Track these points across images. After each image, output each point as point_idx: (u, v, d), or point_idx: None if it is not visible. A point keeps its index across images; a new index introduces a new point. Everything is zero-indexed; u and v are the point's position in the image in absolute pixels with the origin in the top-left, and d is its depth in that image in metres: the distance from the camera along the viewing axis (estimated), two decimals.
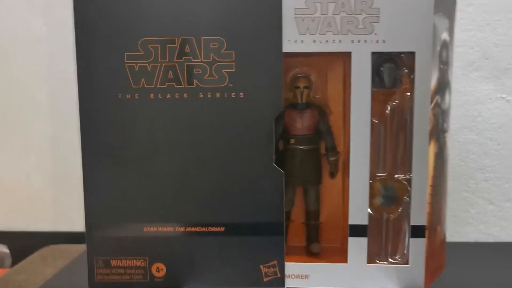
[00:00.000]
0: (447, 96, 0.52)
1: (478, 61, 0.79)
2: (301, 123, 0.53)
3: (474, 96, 0.80)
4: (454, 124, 0.80)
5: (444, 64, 0.50)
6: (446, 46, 0.50)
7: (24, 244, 0.87)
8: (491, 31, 0.79)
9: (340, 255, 0.53)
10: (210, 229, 0.51)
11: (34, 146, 0.89)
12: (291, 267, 0.52)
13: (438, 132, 0.50)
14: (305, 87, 0.53)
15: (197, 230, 0.51)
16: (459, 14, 0.76)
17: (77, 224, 0.88)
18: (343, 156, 0.55)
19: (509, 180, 0.81)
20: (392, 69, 0.50)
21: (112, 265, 0.52)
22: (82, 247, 0.75)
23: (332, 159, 0.55)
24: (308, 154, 0.54)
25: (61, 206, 0.90)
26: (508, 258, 0.68)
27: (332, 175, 0.55)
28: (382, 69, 0.50)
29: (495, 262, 0.66)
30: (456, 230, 0.82)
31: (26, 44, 0.85)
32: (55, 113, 0.87)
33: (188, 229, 0.51)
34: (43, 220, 0.91)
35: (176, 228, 0.51)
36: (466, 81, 0.80)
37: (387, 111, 0.51)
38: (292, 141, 0.54)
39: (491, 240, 0.82)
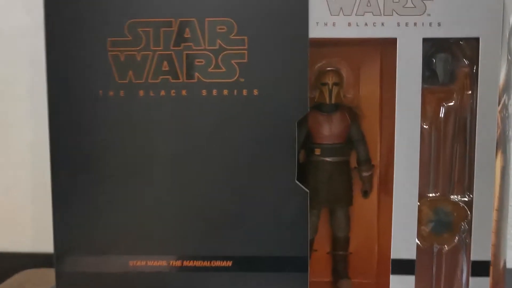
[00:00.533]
0: None
1: None
2: (329, 129, 0.43)
3: None
4: None
5: None
6: None
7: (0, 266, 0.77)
8: None
9: None
10: (213, 263, 0.40)
11: (12, 155, 0.78)
12: None
13: (505, 141, 0.40)
14: (334, 84, 0.42)
15: (197, 264, 0.40)
16: None
17: None
18: (378, 170, 0.44)
19: None
20: (449, 61, 0.39)
21: None
22: None
23: (365, 174, 0.44)
24: (337, 167, 0.43)
25: (42, 223, 0.80)
26: None
27: (366, 194, 0.45)
28: (435, 60, 0.39)
29: None
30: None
31: (6, 38, 0.75)
32: (36, 117, 0.77)
33: (186, 263, 0.40)
34: (21, 240, 0.80)
35: (171, 262, 0.40)
36: None
37: (441, 114, 0.40)
38: (318, 151, 0.43)
39: None
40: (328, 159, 0.43)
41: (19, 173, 0.79)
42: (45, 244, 0.79)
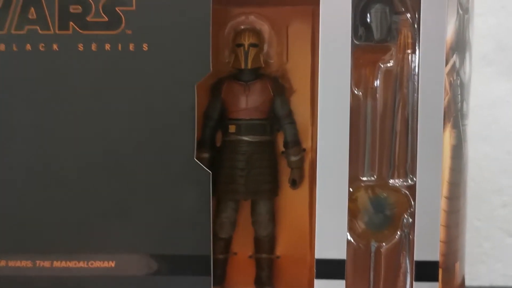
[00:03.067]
0: (467, 63, 0.34)
1: (491, 53, 0.64)
2: (246, 102, 0.35)
3: (487, 98, 0.64)
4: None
5: (463, 11, 0.33)
6: None
7: None
8: (507, 16, 0.63)
9: None
10: (92, 264, 0.32)
11: None
12: None
13: (456, 114, 0.32)
14: (251, 45, 0.35)
15: (71, 265, 0.32)
16: None
17: None
18: (311, 155, 0.37)
19: None
20: (386, 13, 0.32)
21: None
22: None
23: (293, 159, 0.36)
24: (257, 149, 0.36)
25: None
26: None
27: (294, 183, 0.37)
28: (369, 12, 0.32)
29: None
30: (466, 271, 0.64)
31: None
32: None
33: (56, 263, 0.32)
34: None
35: (37, 262, 0.32)
36: (477, 79, 0.64)
37: (378, 79, 0.33)
38: (232, 128, 0.35)
39: (511, 284, 0.64)
40: (245, 138, 0.35)
41: None
42: None
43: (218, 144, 0.37)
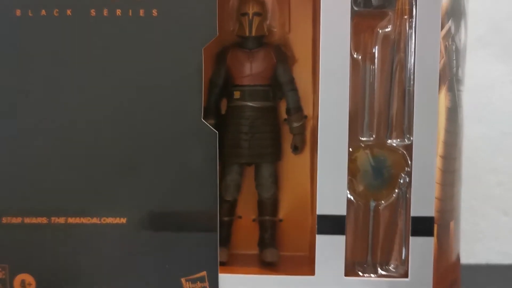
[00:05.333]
0: (462, 29, 0.35)
1: (486, 35, 0.64)
2: (250, 68, 0.37)
3: (483, 80, 0.65)
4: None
5: None
6: None
7: None
8: None
9: (306, 265, 0.35)
10: (104, 220, 0.33)
11: None
12: (231, 282, 0.34)
13: (452, 78, 0.34)
14: (255, 14, 0.36)
15: (84, 221, 0.33)
16: None
17: None
18: (312, 122, 0.38)
19: None
20: None
21: None
22: None
23: (295, 125, 0.38)
24: (261, 114, 0.37)
25: None
26: None
27: (296, 149, 0.38)
28: None
29: None
30: (463, 248, 0.66)
31: None
32: None
33: (71, 219, 0.33)
34: None
35: (52, 218, 0.33)
36: (472, 60, 0.65)
37: (376, 43, 0.34)
38: (237, 94, 0.37)
39: (507, 261, 0.66)
40: (249, 103, 0.37)
41: None
42: None
43: (223, 111, 0.39)
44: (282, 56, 0.37)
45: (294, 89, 0.38)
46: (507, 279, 0.58)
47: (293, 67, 0.38)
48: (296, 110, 0.38)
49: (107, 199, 0.33)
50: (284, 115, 0.39)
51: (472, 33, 0.64)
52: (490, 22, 0.65)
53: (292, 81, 0.38)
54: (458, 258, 0.37)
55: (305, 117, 0.38)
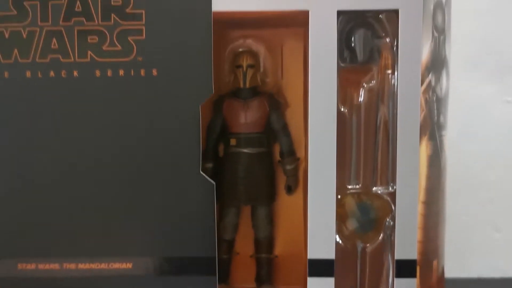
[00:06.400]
0: (444, 79, 0.38)
1: (478, 57, 0.66)
2: (245, 117, 0.39)
3: (475, 99, 0.67)
4: (451, 132, 0.66)
5: (439, 32, 0.36)
6: (442, 7, 0.36)
7: None
8: (493, 20, 0.66)
9: None
10: (111, 265, 0.36)
11: None
12: None
13: (433, 127, 0.36)
14: (249, 66, 0.38)
15: (93, 267, 0.36)
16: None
17: None
18: (304, 164, 0.40)
19: None
20: (367, 37, 0.36)
21: None
22: None
23: (289, 167, 0.40)
24: (256, 160, 0.39)
25: None
26: None
27: (290, 189, 0.41)
28: (353, 36, 0.36)
29: None
30: (455, 263, 0.68)
31: None
32: None
33: (81, 265, 0.36)
34: None
35: (64, 264, 0.36)
36: (464, 81, 0.67)
37: (361, 97, 0.37)
38: (233, 141, 0.39)
39: (497, 275, 0.68)
40: (245, 150, 0.39)
41: None
42: None
43: (221, 154, 0.41)
44: (275, 104, 0.40)
45: (287, 135, 0.40)
46: None
47: (286, 111, 0.41)
48: (289, 153, 0.40)
49: (114, 245, 0.36)
50: (277, 157, 0.41)
51: (465, 55, 0.66)
52: (481, 44, 0.66)
53: (285, 127, 0.40)
54: None
55: (298, 159, 0.40)
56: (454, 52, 0.64)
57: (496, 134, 0.67)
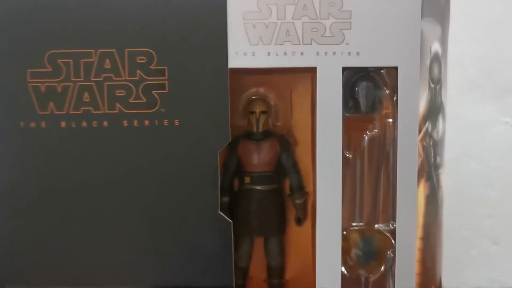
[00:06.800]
0: (440, 123, 0.41)
1: (478, 79, 0.69)
2: (258, 158, 0.43)
3: (475, 120, 0.70)
4: (452, 152, 0.69)
5: (435, 83, 0.40)
6: (438, 59, 0.39)
7: None
8: (492, 45, 0.69)
9: None
10: None
11: None
12: None
13: (429, 169, 0.40)
14: (262, 112, 0.42)
15: None
16: (454, 26, 0.66)
17: None
18: (312, 197, 0.44)
19: None
20: (370, 89, 0.39)
21: None
22: None
23: (298, 201, 0.44)
24: (268, 196, 0.43)
25: None
26: None
27: (299, 221, 0.44)
28: (357, 89, 0.39)
29: None
30: (455, 276, 0.71)
31: None
32: None
33: None
34: None
35: None
36: (465, 102, 0.70)
37: (364, 143, 0.40)
38: (247, 179, 0.43)
39: (496, 286, 0.71)
40: (258, 187, 0.43)
41: None
42: None
43: (236, 188, 0.45)
44: (285, 144, 0.43)
45: (297, 171, 0.43)
46: None
47: (296, 149, 0.44)
48: (298, 189, 0.44)
49: (139, 275, 0.40)
50: (288, 191, 0.45)
51: (466, 77, 0.69)
52: (481, 67, 0.69)
53: (294, 165, 0.43)
54: None
55: (307, 193, 0.44)
56: (455, 75, 0.67)
57: (495, 153, 0.70)
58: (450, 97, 0.63)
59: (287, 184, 0.44)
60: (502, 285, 0.71)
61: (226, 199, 0.43)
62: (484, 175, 0.69)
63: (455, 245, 0.71)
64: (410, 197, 0.38)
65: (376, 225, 0.40)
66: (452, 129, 0.68)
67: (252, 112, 0.42)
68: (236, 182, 0.44)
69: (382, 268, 0.40)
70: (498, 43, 0.68)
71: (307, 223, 0.45)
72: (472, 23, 0.68)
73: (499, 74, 0.69)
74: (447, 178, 0.64)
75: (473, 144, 0.69)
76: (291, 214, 0.45)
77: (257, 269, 0.45)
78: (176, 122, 0.39)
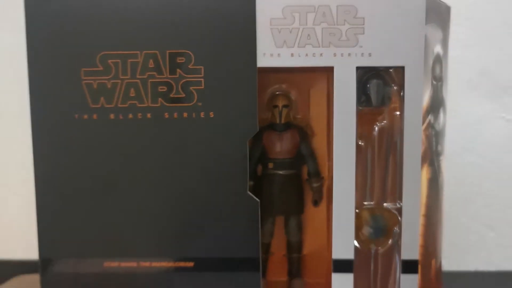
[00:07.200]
0: (441, 116, 0.46)
1: (476, 79, 0.74)
2: (280, 146, 0.48)
3: (473, 116, 0.75)
4: (452, 145, 0.74)
5: (437, 80, 0.45)
6: (440, 60, 0.45)
7: None
8: (490, 46, 0.74)
9: None
10: (178, 264, 0.46)
11: (7, 171, 0.83)
12: None
13: (432, 156, 0.45)
14: (284, 106, 0.48)
15: (163, 265, 0.46)
16: (455, 29, 0.71)
17: None
18: (327, 182, 0.50)
19: (511, 205, 0.76)
20: (380, 86, 0.45)
21: None
22: None
23: (315, 185, 0.49)
24: (288, 180, 0.49)
25: (31, 233, 0.85)
26: None
27: (316, 203, 0.50)
28: (368, 85, 0.45)
29: None
30: (454, 259, 0.77)
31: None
32: (27, 137, 0.82)
33: (154, 264, 0.46)
34: (12, 248, 0.85)
35: (140, 263, 0.46)
36: (464, 100, 0.75)
37: (375, 133, 0.46)
38: (271, 165, 0.49)
39: (492, 269, 0.76)
40: (280, 172, 0.48)
41: (12, 185, 0.84)
42: (35, 251, 0.85)
43: (259, 173, 0.50)
44: (304, 135, 0.49)
45: (314, 159, 0.49)
46: (491, 283, 0.69)
47: (313, 140, 0.50)
48: (315, 174, 0.49)
49: (181, 248, 0.45)
50: (305, 176, 0.50)
51: (464, 77, 0.75)
52: (478, 67, 0.74)
53: (312, 153, 0.49)
54: (439, 283, 0.49)
55: (322, 178, 0.50)
56: (456, 75, 0.73)
57: (492, 147, 0.75)
58: (451, 96, 0.68)
59: (305, 170, 0.50)
60: (498, 268, 0.76)
61: (251, 183, 0.49)
62: (482, 167, 0.75)
63: (455, 232, 0.76)
64: (414, 180, 0.44)
65: (384, 204, 0.46)
66: (453, 125, 0.74)
67: (276, 106, 0.48)
68: (259, 168, 0.50)
69: (390, 241, 0.46)
70: (494, 46, 0.73)
71: (323, 204, 0.50)
72: (471, 28, 0.73)
73: (495, 74, 0.74)
74: (448, 171, 0.70)
75: (472, 138, 0.75)
76: (309, 197, 0.50)
77: (278, 246, 0.51)
78: (211, 114, 0.44)
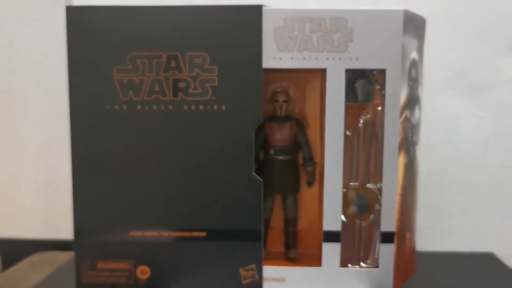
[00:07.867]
0: (416, 111, 0.55)
1: (453, 78, 0.82)
2: (280, 135, 0.57)
3: (450, 113, 0.82)
4: (431, 139, 0.82)
5: (413, 81, 0.54)
6: (415, 64, 0.53)
7: (13, 251, 0.88)
8: (465, 49, 0.81)
9: (315, 260, 0.56)
10: (192, 234, 0.54)
11: (24, 156, 0.90)
12: (269, 271, 0.55)
13: (407, 145, 0.54)
14: (284, 101, 0.56)
15: (180, 235, 0.54)
16: (433, 36, 0.79)
17: (65, 232, 0.90)
18: (319, 166, 0.58)
19: (484, 192, 0.84)
20: (365, 85, 0.53)
21: (99, 267, 0.54)
22: (69, 254, 0.77)
23: (309, 169, 0.58)
24: (287, 164, 0.57)
25: (48, 213, 0.92)
26: (480, 267, 0.71)
27: (309, 184, 0.58)
28: (356, 84, 0.53)
29: (468, 271, 0.69)
30: (432, 240, 0.85)
31: (19, 54, 0.87)
32: (45, 123, 0.89)
33: (172, 233, 0.54)
34: (30, 228, 0.92)
35: (160, 232, 0.54)
36: (442, 98, 0.83)
37: (360, 124, 0.54)
38: (272, 151, 0.57)
39: (467, 249, 0.84)
40: (279, 157, 0.57)
41: (29, 170, 0.91)
42: (52, 232, 0.92)
43: (261, 158, 0.59)
44: (300, 126, 0.57)
45: (308, 146, 0.57)
46: (466, 262, 0.75)
47: (308, 130, 0.58)
48: (309, 159, 0.58)
49: (195, 220, 0.54)
50: (301, 161, 0.59)
51: (441, 77, 0.83)
52: (455, 68, 0.82)
53: (307, 141, 0.57)
54: (413, 255, 0.58)
55: (315, 163, 0.58)
56: (434, 76, 0.80)
57: (466, 140, 0.83)
58: (429, 94, 0.75)
59: (301, 155, 0.58)
60: (471, 248, 0.83)
61: (254, 166, 0.57)
62: (457, 159, 0.83)
63: (433, 217, 0.84)
64: (393, 164, 0.52)
65: (367, 185, 0.54)
66: (431, 120, 0.82)
67: (277, 101, 0.56)
68: (261, 154, 0.58)
69: (372, 217, 0.54)
70: (469, 49, 0.81)
71: (315, 186, 0.59)
72: (447, 34, 0.81)
73: (469, 74, 0.81)
74: (427, 161, 0.78)
75: (448, 133, 0.83)
76: (303, 179, 0.59)
77: (276, 221, 0.60)
78: (223, 107, 0.52)
